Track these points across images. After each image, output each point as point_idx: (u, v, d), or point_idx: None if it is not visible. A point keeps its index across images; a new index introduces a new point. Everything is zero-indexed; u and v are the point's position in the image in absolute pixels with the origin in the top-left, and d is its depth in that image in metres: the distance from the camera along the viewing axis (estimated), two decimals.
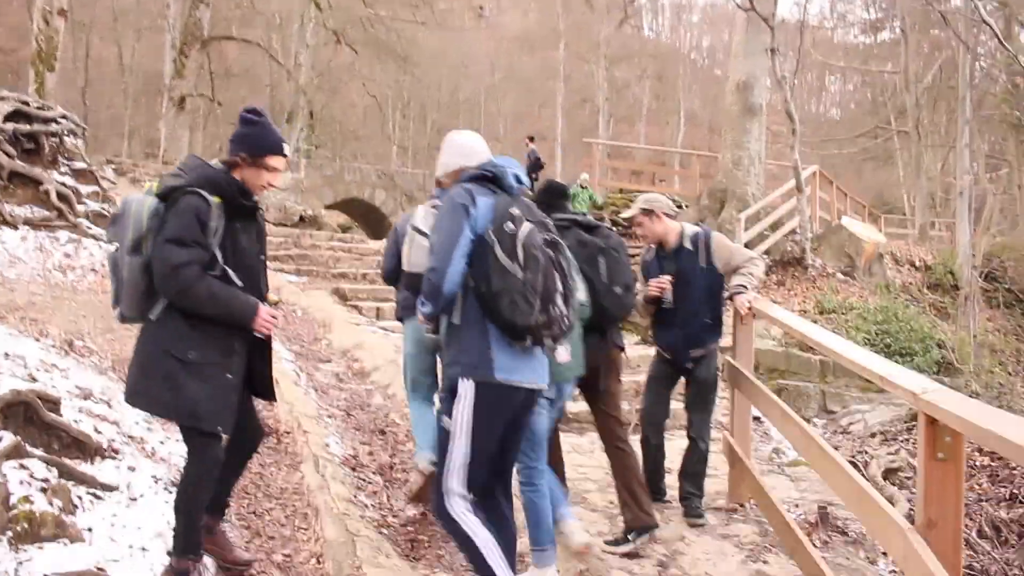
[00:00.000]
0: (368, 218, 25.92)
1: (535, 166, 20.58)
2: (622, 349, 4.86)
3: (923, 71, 25.94)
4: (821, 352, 4.51)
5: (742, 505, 5.31)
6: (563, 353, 3.78)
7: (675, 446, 6.79)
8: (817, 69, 41.12)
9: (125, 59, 36.36)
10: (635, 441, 5.07)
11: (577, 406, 7.63)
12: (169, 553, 3.46)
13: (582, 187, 17.15)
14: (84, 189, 11.26)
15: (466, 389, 3.29)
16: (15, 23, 27.25)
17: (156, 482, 4.30)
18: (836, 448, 5.78)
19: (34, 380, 4.57)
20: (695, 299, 5.05)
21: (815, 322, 10.01)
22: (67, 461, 3.93)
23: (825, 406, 8.51)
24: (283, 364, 7.27)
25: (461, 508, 3.31)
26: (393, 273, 4.94)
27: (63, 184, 10.68)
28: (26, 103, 11.39)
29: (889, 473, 6.39)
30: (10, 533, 3.17)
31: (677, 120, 44.25)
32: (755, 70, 16.12)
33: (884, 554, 4.91)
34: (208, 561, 3.62)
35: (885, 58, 30.88)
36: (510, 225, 3.31)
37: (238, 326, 3.36)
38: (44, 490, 3.52)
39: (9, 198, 10.05)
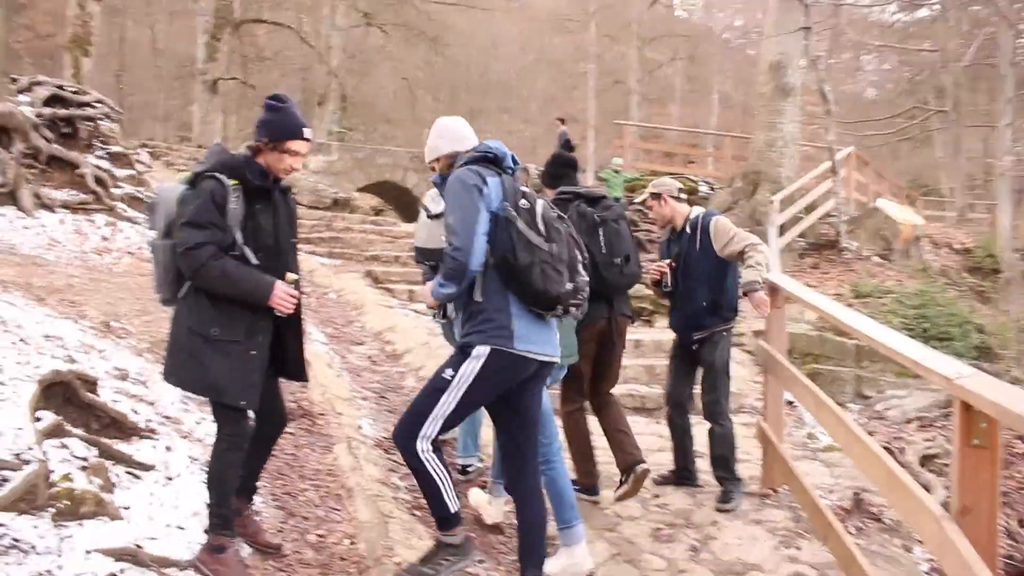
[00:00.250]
0: (400, 201, 25.96)
1: (566, 148, 20.46)
2: (629, 318, 5.08)
3: (962, 49, 25.37)
4: (854, 336, 4.47)
5: (775, 490, 5.28)
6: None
7: (706, 431, 6.78)
8: (852, 48, 40.42)
9: (158, 43, 36.69)
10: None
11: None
12: (206, 531, 3.52)
13: (615, 171, 17.03)
14: (120, 172, 11.39)
15: (481, 352, 3.43)
16: (51, 8, 27.47)
17: (192, 462, 4.36)
18: (871, 434, 5.73)
19: (73, 361, 4.64)
20: (693, 282, 5.16)
21: (850, 306, 9.90)
22: (105, 440, 4.00)
23: (860, 391, 8.42)
24: (316, 347, 7.33)
25: (428, 448, 3.48)
26: None
27: (99, 168, 10.82)
28: (63, 88, 11.53)
29: (926, 460, 6.32)
30: (52, 510, 3.23)
31: (710, 101, 43.76)
32: (788, 50, 15.89)
33: (921, 542, 4.87)
34: (240, 541, 3.69)
35: (923, 36, 30.21)
36: (524, 201, 3.50)
37: (255, 304, 3.43)
38: (84, 468, 3.59)
39: (47, 182, 10.20)
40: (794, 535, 4.57)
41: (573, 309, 3.56)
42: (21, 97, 10.80)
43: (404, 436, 3.53)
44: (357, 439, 5.38)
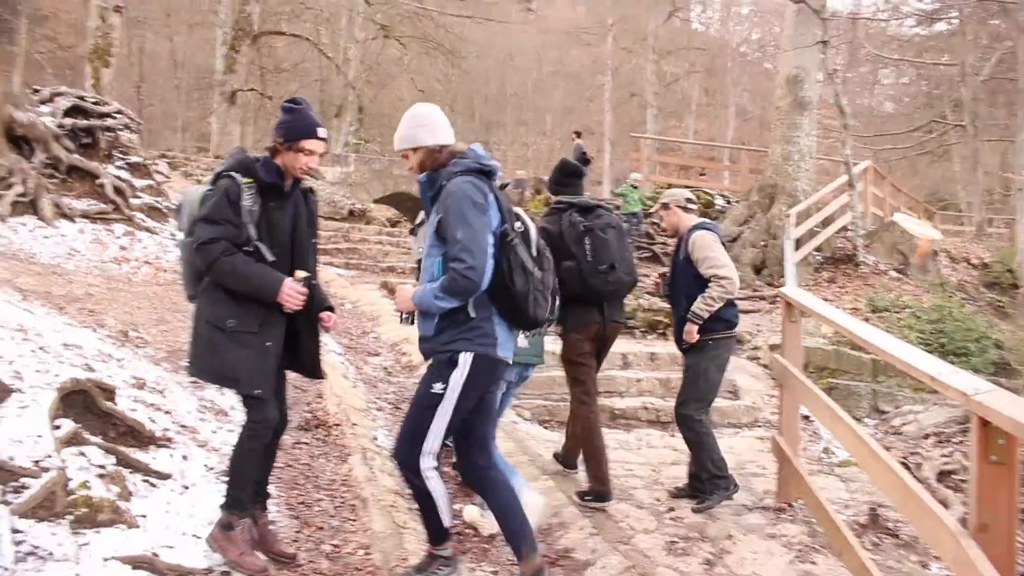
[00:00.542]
0: (417, 212, 26.06)
1: (582, 161, 20.50)
2: (621, 324, 5.39)
3: (981, 63, 25.27)
4: (870, 351, 4.44)
5: (790, 505, 5.25)
6: (522, 339, 4.13)
7: (721, 444, 6.75)
8: (870, 62, 40.31)
9: (178, 55, 37.00)
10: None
11: (624, 402, 7.66)
12: (220, 507, 3.63)
13: (633, 186, 17.03)
14: (138, 183, 11.51)
15: (465, 360, 3.50)
16: (73, 20, 27.80)
17: (208, 471, 4.38)
18: (887, 449, 5.69)
19: (91, 369, 4.68)
20: (679, 290, 5.30)
21: (867, 321, 9.86)
22: (123, 449, 4.04)
23: (876, 406, 8.36)
24: (332, 357, 7.36)
25: (431, 466, 3.57)
26: None
27: (118, 178, 10.94)
28: (83, 99, 11.67)
29: (943, 476, 6.26)
30: (70, 517, 3.26)
31: (727, 115, 43.73)
32: (806, 63, 15.88)
33: (938, 558, 4.82)
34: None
35: (941, 50, 30.08)
36: (519, 224, 3.61)
37: (264, 300, 3.50)
38: (101, 476, 3.62)
39: (67, 191, 10.32)
40: (809, 550, 4.54)
41: (542, 327, 3.86)
42: (43, 108, 10.93)
43: (405, 455, 3.58)
44: (372, 450, 5.40)
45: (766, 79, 41.09)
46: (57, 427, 3.71)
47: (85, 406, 4.17)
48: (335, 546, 4.11)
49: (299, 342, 3.73)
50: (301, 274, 3.58)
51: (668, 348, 9.05)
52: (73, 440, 3.75)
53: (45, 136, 10.18)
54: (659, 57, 39.19)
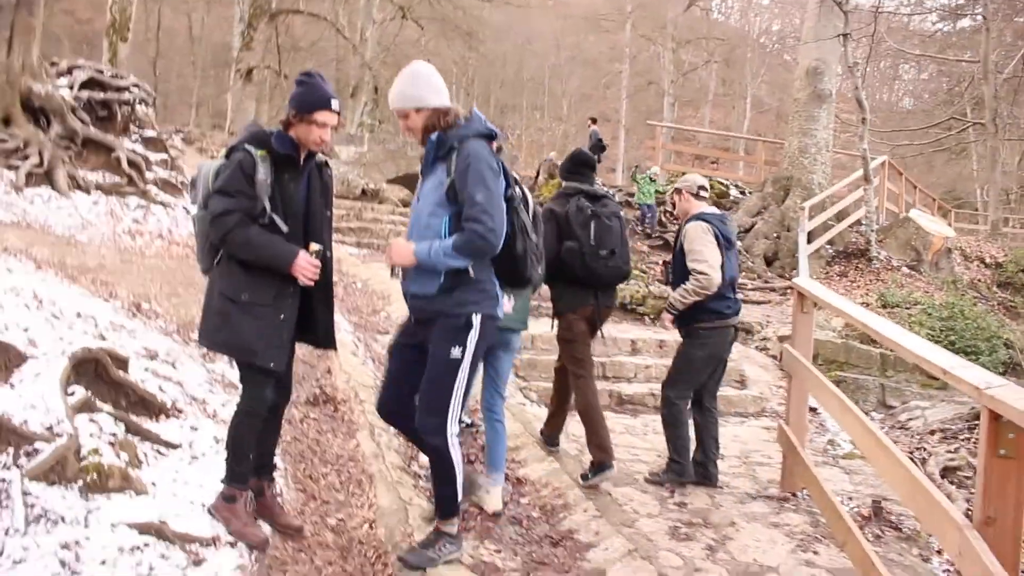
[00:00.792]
0: None
1: (597, 147, 20.46)
2: (612, 308, 5.62)
3: (1004, 61, 25.03)
4: (882, 343, 4.44)
5: (794, 494, 5.27)
6: (507, 304, 4.15)
7: (728, 432, 6.77)
8: (891, 57, 39.99)
9: (195, 31, 37.04)
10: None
11: (632, 388, 7.68)
12: (222, 481, 3.68)
13: (651, 179, 16.94)
14: (153, 157, 11.54)
15: (478, 321, 3.59)
16: None
17: (217, 442, 4.41)
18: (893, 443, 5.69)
19: (104, 339, 4.71)
20: (676, 277, 5.43)
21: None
22: (134, 418, 4.07)
23: (884, 400, 8.35)
24: (342, 335, 7.38)
25: (456, 433, 3.66)
26: None
27: (134, 151, 10.96)
28: (101, 72, 11.69)
29: (947, 472, 6.26)
30: (80, 483, 3.29)
31: (743, 105, 43.51)
32: (826, 56, 15.79)
33: (939, 552, 4.83)
34: (262, 523, 3.76)
35: (964, 46, 29.82)
36: (518, 190, 3.72)
37: (278, 272, 3.52)
38: (112, 444, 3.65)
39: (82, 164, 10.35)
40: (812, 539, 4.56)
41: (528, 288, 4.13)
42: (60, 80, 10.95)
43: (435, 424, 3.60)
44: (379, 426, 5.42)
45: (784, 71, 40.84)
46: (70, 394, 3.75)
47: (97, 375, 4.20)
48: (340, 520, 4.14)
49: (313, 313, 3.74)
50: (315, 247, 3.59)
51: (676, 336, 9.06)
52: (85, 407, 3.78)
53: (62, 108, 10.21)
54: (677, 46, 38.96)
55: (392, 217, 15.64)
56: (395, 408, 3.89)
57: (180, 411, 4.54)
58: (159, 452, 3.99)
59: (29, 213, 8.81)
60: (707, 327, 5.28)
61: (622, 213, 5.49)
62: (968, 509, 4.78)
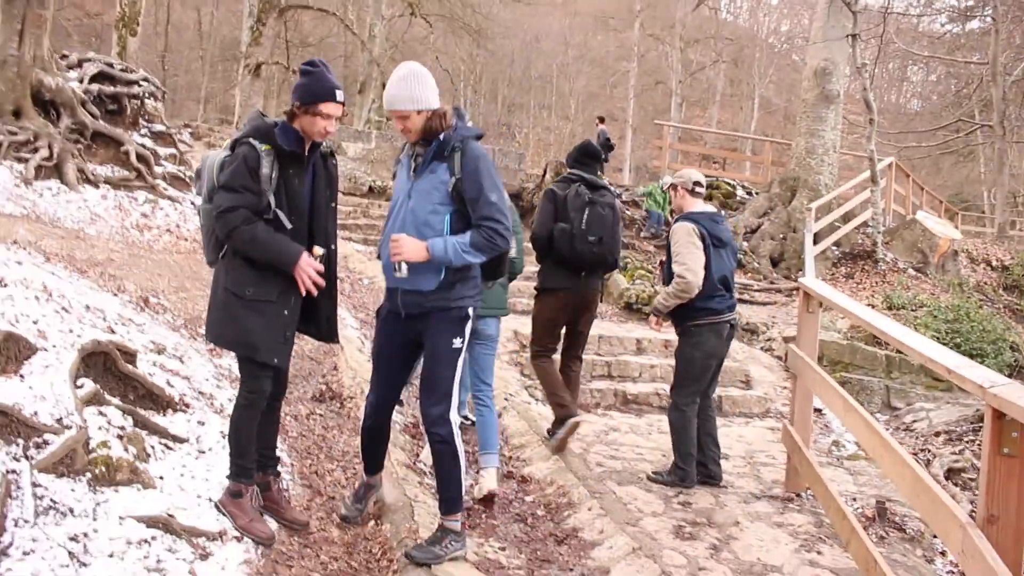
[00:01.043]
0: None
1: (605, 147, 20.44)
2: (597, 291, 5.83)
3: (1013, 63, 24.93)
4: (887, 342, 4.44)
5: (798, 495, 5.27)
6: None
7: (732, 433, 6.78)
8: (899, 58, 39.89)
9: (204, 26, 37.07)
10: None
11: (637, 387, 7.69)
12: (227, 477, 3.71)
13: (663, 190, 16.85)
14: (162, 151, 11.58)
15: (472, 314, 3.77)
16: None
17: (224, 437, 4.43)
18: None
19: (112, 332, 4.74)
20: (667, 278, 5.46)
21: None
22: (142, 411, 4.09)
23: (889, 402, 8.36)
24: (348, 331, 7.41)
25: (458, 421, 3.78)
26: None
27: (143, 146, 11.00)
28: (111, 65, 11.73)
29: (952, 473, 6.26)
30: (89, 475, 3.32)
31: (751, 106, 43.42)
32: (834, 56, 15.76)
33: (943, 553, 4.84)
34: (269, 518, 3.78)
35: (973, 48, 29.67)
36: None
37: (283, 270, 3.53)
38: (120, 437, 3.68)
39: (91, 157, 10.38)
40: (816, 539, 4.56)
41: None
42: (70, 73, 10.99)
43: (441, 412, 3.70)
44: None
45: (792, 71, 40.77)
46: (79, 387, 3.77)
47: (106, 368, 4.23)
48: (346, 516, 4.16)
49: (316, 305, 3.73)
50: (319, 251, 3.60)
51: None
52: (94, 400, 3.81)
53: (72, 101, 10.24)
54: (686, 45, 38.95)
55: None
56: (385, 415, 4.06)
57: (187, 405, 4.56)
58: (166, 446, 4.02)
59: (38, 206, 8.85)
60: (700, 324, 5.30)
61: (623, 208, 5.67)
62: (972, 510, 4.79)
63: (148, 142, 11.36)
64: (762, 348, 9.75)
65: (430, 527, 3.96)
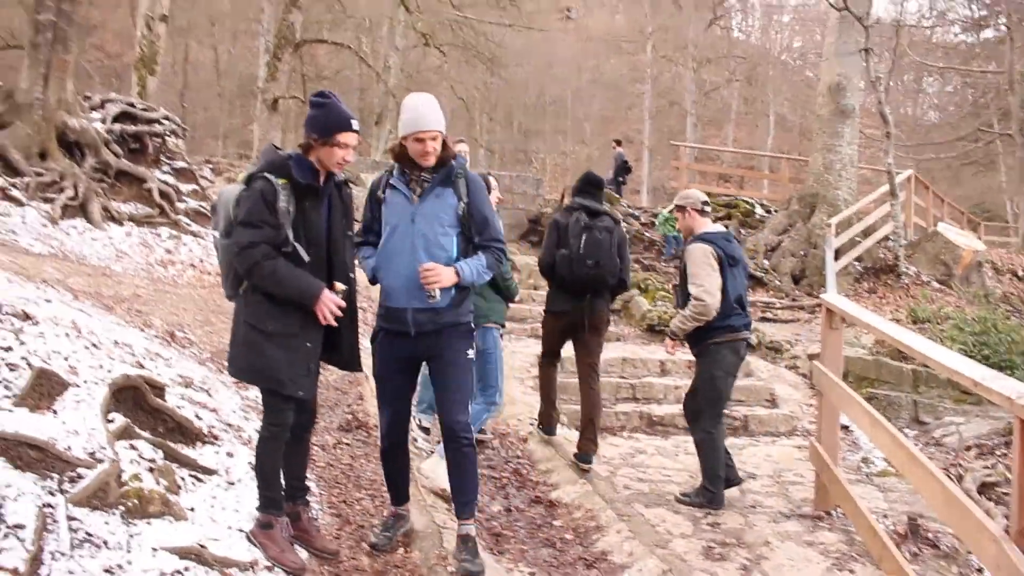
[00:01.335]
0: None
1: (623, 169, 20.51)
2: (605, 311, 6.01)
3: None
4: (912, 356, 4.42)
5: (828, 513, 5.23)
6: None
7: (759, 452, 6.74)
8: (914, 70, 39.81)
9: (221, 63, 37.58)
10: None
11: (662, 409, 7.67)
12: (257, 508, 3.73)
13: (669, 213, 16.86)
14: (184, 187, 11.72)
15: (473, 328, 4.07)
16: (120, 28, 28.43)
17: (252, 468, 4.47)
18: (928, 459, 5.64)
19: (141, 367, 4.80)
20: (682, 297, 5.50)
21: None
22: (171, 444, 4.14)
23: (917, 417, 8.27)
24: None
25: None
26: None
27: (165, 183, 11.15)
28: (132, 105, 11.93)
29: (985, 488, 6.18)
30: (122, 508, 3.35)
31: (767, 123, 43.40)
32: (848, 71, 15.75)
33: (979, 571, 4.78)
34: (299, 548, 3.80)
35: (988, 57, 29.61)
36: None
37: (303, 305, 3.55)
38: (151, 470, 3.72)
39: (116, 195, 10.54)
40: (847, 558, 4.53)
41: None
42: (94, 114, 11.18)
43: (467, 419, 3.94)
44: (412, 451, 5.46)
45: (807, 87, 40.69)
46: (110, 421, 3.82)
47: (135, 402, 4.28)
48: (375, 544, 4.17)
49: (339, 334, 3.75)
50: (340, 287, 3.64)
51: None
52: (125, 434, 3.86)
53: (95, 142, 10.42)
54: (699, 65, 39.03)
55: None
56: (402, 430, 4.21)
57: (216, 438, 4.60)
58: (196, 478, 4.06)
59: (65, 245, 8.99)
60: (719, 342, 5.31)
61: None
62: (1007, 526, 4.72)
63: (170, 179, 11.51)
64: (787, 366, 9.69)
65: (453, 544, 3.96)
